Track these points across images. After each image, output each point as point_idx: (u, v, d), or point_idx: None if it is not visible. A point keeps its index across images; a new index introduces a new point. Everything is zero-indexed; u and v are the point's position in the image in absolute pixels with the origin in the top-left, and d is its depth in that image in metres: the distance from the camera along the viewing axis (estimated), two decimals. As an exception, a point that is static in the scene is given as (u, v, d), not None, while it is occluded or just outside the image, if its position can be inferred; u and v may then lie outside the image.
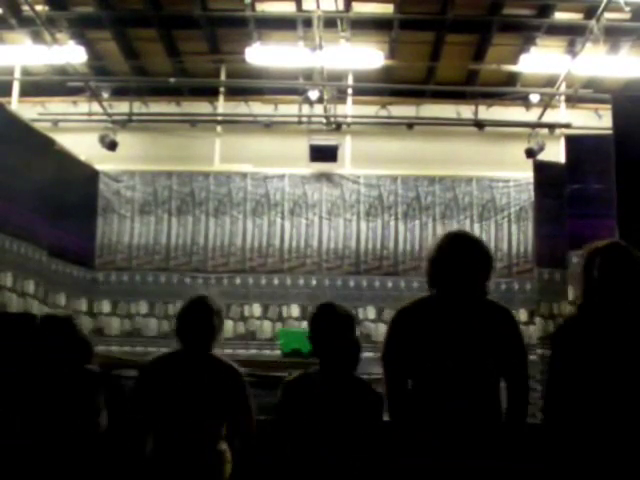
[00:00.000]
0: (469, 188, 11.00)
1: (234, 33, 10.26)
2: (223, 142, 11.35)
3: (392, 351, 2.88)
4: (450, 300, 2.80)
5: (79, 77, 10.70)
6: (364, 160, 10.95)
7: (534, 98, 11.11)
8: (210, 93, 11.53)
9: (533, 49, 10.15)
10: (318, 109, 11.01)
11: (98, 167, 10.90)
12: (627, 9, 8.22)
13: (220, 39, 10.63)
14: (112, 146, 10.68)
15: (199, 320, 3.17)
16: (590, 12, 9.06)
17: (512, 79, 11.33)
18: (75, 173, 10.14)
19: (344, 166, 11.10)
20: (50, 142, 9.34)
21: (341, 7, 9.60)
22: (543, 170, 9.80)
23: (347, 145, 11.22)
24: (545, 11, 9.65)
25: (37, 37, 9.47)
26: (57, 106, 11.26)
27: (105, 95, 11.14)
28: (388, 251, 10.86)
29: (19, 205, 8.16)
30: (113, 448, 3.22)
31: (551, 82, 10.78)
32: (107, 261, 10.89)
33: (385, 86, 11.33)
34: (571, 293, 7.24)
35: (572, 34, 9.98)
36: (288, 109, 11.24)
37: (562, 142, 10.20)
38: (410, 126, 11.28)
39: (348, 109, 11.41)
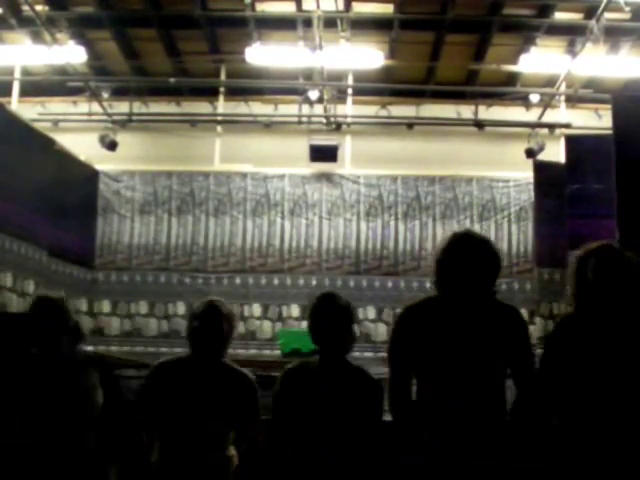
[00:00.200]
0: (469, 188, 11.00)
1: (234, 33, 10.26)
2: (223, 142, 11.35)
3: (398, 348, 2.86)
4: (458, 300, 2.79)
5: (79, 77, 10.70)
6: (364, 160, 10.95)
7: (534, 98, 11.11)
8: (210, 93, 11.53)
9: (533, 49, 10.15)
10: (318, 109, 11.00)
11: (98, 167, 10.90)
12: (627, 9, 8.22)
13: (220, 39, 10.63)
14: (112, 146, 10.67)
15: (211, 326, 3.14)
16: (590, 12, 9.06)
17: (512, 79, 11.32)
18: (75, 173, 10.15)
19: (344, 166, 11.10)
20: (50, 142, 9.34)
21: (341, 7, 9.60)
22: (543, 170, 9.82)
23: (347, 145, 11.21)
24: (545, 11, 9.65)
25: (37, 37, 9.47)
26: (57, 106, 11.26)
27: (105, 95, 11.13)
28: (388, 251, 10.86)
29: (19, 205, 8.16)
30: (109, 432, 3.23)
31: (551, 82, 10.78)
32: (107, 261, 10.89)
33: (385, 86, 11.33)
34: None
35: (572, 34, 9.98)
36: (288, 109, 11.24)
37: (562, 142, 10.22)
38: (410, 126, 11.27)
39: (348, 109, 11.41)
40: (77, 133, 10.75)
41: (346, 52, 10.02)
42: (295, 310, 10.45)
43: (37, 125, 9.67)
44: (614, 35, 9.46)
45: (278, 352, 8.97)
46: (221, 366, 3.20)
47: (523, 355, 2.77)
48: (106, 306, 10.69)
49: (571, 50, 10.02)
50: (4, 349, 3.26)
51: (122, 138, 10.84)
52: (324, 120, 11.16)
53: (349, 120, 11.35)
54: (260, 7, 9.86)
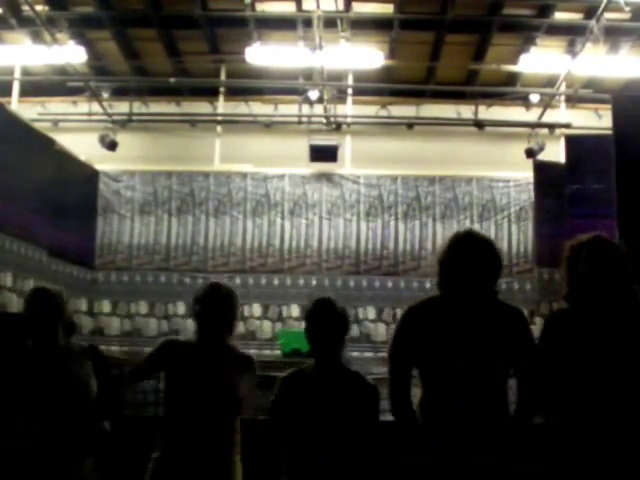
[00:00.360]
0: (469, 188, 11.00)
1: (234, 33, 10.26)
2: (223, 142, 11.35)
3: (399, 348, 2.86)
4: (460, 300, 2.79)
5: (79, 77, 10.70)
6: (364, 160, 10.95)
7: (534, 98, 11.11)
8: (210, 93, 11.53)
9: (533, 49, 10.15)
10: (318, 109, 11.01)
11: (98, 167, 10.91)
12: (627, 9, 8.22)
13: (220, 39, 10.63)
14: (112, 146, 10.68)
15: (213, 308, 3.20)
16: (590, 12, 9.06)
17: (512, 79, 11.32)
18: (75, 173, 10.15)
19: (344, 166, 11.10)
20: (50, 142, 9.34)
21: (341, 7, 9.60)
22: (543, 170, 9.82)
23: (347, 145, 11.22)
24: (545, 11, 9.65)
25: (37, 37, 9.47)
26: (57, 106, 11.26)
27: (105, 95, 11.14)
28: (388, 251, 10.86)
29: (19, 205, 8.16)
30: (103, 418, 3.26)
31: (551, 82, 10.78)
32: (107, 261, 10.89)
33: (385, 86, 11.33)
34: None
35: (572, 34, 9.98)
36: (288, 109, 11.24)
37: (562, 142, 10.22)
38: (410, 126, 11.28)
39: (348, 109, 11.41)
40: (77, 133, 10.75)
41: (346, 52, 10.02)
42: (295, 310, 10.45)
43: (37, 125, 9.67)
44: (614, 35, 9.47)
45: (278, 352, 8.99)
46: (225, 348, 3.23)
47: (526, 355, 2.77)
48: (106, 306, 10.69)
49: (571, 50, 10.02)
50: (1, 344, 3.28)
51: (122, 138, 10.84)
52: (324, 120, 11.16)
53: (349, 120, 11.35)
54: (260, 7, 9.86)
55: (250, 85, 11.34)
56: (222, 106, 11.54)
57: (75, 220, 9.74)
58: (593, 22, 8.52)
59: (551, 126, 11.04)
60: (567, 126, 10.92)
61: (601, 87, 10.73)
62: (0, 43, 10.15)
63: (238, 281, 10.66)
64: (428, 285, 9.77)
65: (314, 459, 2.91)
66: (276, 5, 9.89)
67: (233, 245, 10.89)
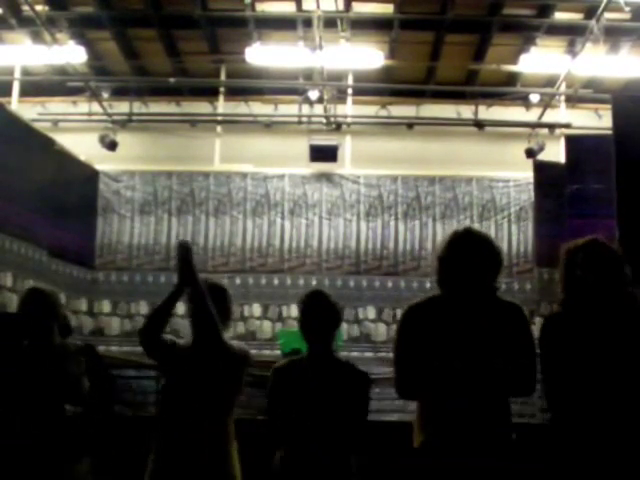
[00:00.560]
0: (469, 188, 11.00)
1: (234, 33, 10.26)
2: (223, 142, 11.35)
3: (403, 347, 2.86)
4: (460, 298, 2.79)
5: (79, 77, 10.70)
6: (364, 160, 10.95)
7: (534, 98, 11.11)
8: (210, 93, 11.53)
9: (533, 49, 10.15)
10: (318, 109, 11.01)
11: (98, 167, 10.91)
12: (627, 9, 8.22)
13: (220, 39, 10.63)
14: (112, 146, 10.68)
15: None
16: (590, 12, 9.06)
17: (512, 79, 11.32)
18: (75, 173, 10.15)
19: (344, 166, 11.10)
20: (50, 142, 9.34)
21: (341, 7, 9.60)
22: (543, 170, 9.82)
23: (347, 145, 11.22)
24: (545, 11, 9.65)
25: (37, 37, 9.47)
26: (57, 106, 11.26)
27: (105, 95, 11.14)
28: (388, 251, 10.86)
29: (19, 205, 8.16)
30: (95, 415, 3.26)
31: (551, 82, 10.78)
32: (107, 261, 10.89)
33: (385, 86, 11.33)
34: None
35: (572, 34, 9.98)
36: (288, 109, 11.24)
37: (562, 142, 10.23)
38: (410, 126, 11.28)
39: (348, 109, 11.41)
40: (77, 133, 10.75)
41: (346, 52, 10.02)
42: (295, 310, 10.38)
43: (37, 125, 9.68)
44: (614, 35, 9.47)
45: (278, 352, 8.97)
46: (220, 346, 3.23)
47: (524, 353, 2.77)
48: (106, 306, 10.69)
49: (571, 50, 10.02)
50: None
51: (122, 138, 10.84)
52: (324, 120, 11.16)
53: (349, 120, 11.35)
54: (260, 7, 9.86)
55: (250, 85, 11.34)
56: (222, 106, 11.54)
57: (75, 220, 9.74)
58: (593, 22, 8.52)
59: (551, 126, 11.04)
60: (567, 126, 10.92)
61: (601, 87, 10.73)
62: (0, 43, 10.15)
63: (238, 281, 10.67)
64: (428, 285, 9.76)
65: (307, 450, 2.92)
66: (276, 5, 9.89)
67: (233, 245, 10.89)
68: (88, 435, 3.20)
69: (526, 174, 10.27)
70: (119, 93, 11.33)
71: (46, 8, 9.02)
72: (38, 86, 11.04)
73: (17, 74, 10.73)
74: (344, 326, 10.41)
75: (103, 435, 3.28)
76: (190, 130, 11.37)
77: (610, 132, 6.89)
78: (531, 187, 10.17)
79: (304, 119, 11.18)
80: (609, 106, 7.36)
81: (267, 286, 10.69)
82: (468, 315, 2.76)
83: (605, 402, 2.57)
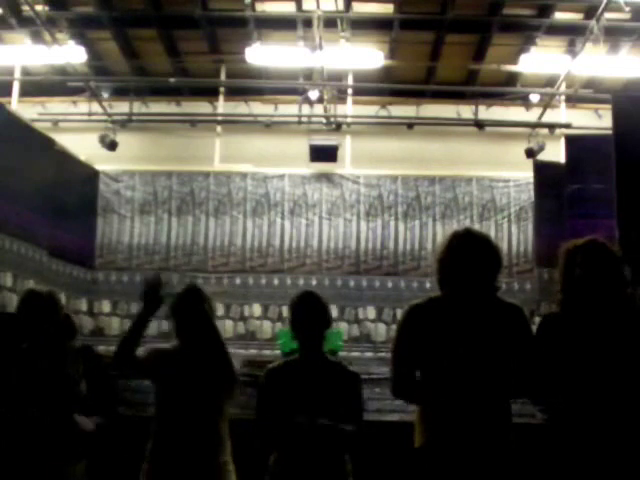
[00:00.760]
0: (469, 188, 11.00)
1: (234, 33, 10.26)
2: (223, 142, 11.35)
3: (402, 347, 2.86)
4: (461, 299, 2.79)
5: (79, 77, 10.71)
6: (364, 160, 10.95)
7: (534, 98, 11.12)
8: (210, 93, 11.53)
9: (533, 49, 10.15)
10: (318, 109, 11.01)
11: (98, 167, 10.91)
12: (627, 9, 8.22)
13: (220, 39, 10.63)
14: (112, 146, 10.68)
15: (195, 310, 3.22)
16: (590, 12, 9.06)
17: (512, 79, 11.33)
18: (75, 173, 10.15)
19: (344, 166, 11.10)
20: (50, 142, 9.34)
21: (341, 7, 9.59)
22: (543, 170, 9.82)
23: (347, 145, 11.22)
24: (545, 11, 9.65)
25: (37, 37, 9.47)
26: (57, 106, 11.26)
27: (105, 95, 11.15)
28: (388, 251, 10.86)
29: (19, 205, 8.16)
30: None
31: (551, 82, 10.78)
32: (107, 261, 10.89)
33: (385, 86, 11.33)
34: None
35: (572, 34, 9.98)
36: (288, 109, 11.24)
37: (562, 142, 10.22)
38: (410, 126, 11.27)
39: (348, 109, 11.41)
40: (77, 133, 10.75)
41: (346, 52, 10.02)
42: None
43: (37, 125, 9.67)
44: (614, 35, 9.46)
45: (278, 352, 8.97)
46: (206, 351, 3.24)
47: (526, 352, 2.77)
48: (106, 306, 10.69)
49: (571, 50, 10.02)
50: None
51: (122, 138, 10.84)
52: (324, 120, 11.16)
53: (349, 120, 11.35)
54: (260, 7, 9.86)
55: (250, 85, 11.35)
56: (222, 106, 11.54)
57: (75, 220, 9.73)
58: (593, 22, 8.51)
59: (551, 126, 11.04)
60: (567, 126, 10.92)
61: (601, 87, 10.73)
62: (0, 43, 10.15)
63: (238, 281, 10.67)
64: (428, 285, 9.77)
65: (300, 451, 2.92)
66: (276, 5, 9.89)
67: (233, 245, 10.89)
68: (85, 436, 3.19)
69: (526, 174, 10.27)
70: (119, 93, 11.33)
71: (46, 8, 9.01)
72: (38, 86, 11.04)
73: (17, 74, 10.73)
74: (344, 326, 10.42)
75: (103, 436, 3.27)
76: (190, 130, 11.37)
77: (610, 132, 6.90)
78: (531, 187, 10.17)
79: (304, 119, 11.18)
80: (609, 106, 7.37)
81: (267, 286, 10.69)
82: (469, 316, 2.76)
83: (602, 401, 2.57)
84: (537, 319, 2.91)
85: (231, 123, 11.40)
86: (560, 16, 9.83)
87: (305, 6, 9.58)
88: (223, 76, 11.45)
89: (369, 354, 10.15)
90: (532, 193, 10.11)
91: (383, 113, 11.49)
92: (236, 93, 11.49)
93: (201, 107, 11.61)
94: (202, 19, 9.89)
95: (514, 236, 10.86)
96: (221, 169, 11.16)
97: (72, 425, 3.14)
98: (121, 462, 3.78)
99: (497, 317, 2.79)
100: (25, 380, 3.14)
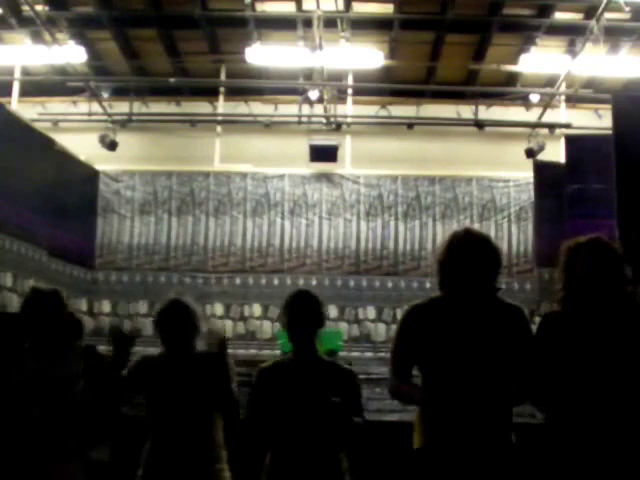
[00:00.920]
0: (469, 188, 11.01)
1: (234, 33, 10.26)
2: (223, 142, 11.35)
3: (401, 347, 2.86)
4: (461, 299, 2.79)
5: (79, 77, 10.71)
6: (364, 160, 10.95)
7: (534, 98, 11.12)
8: (210, 93, 11.53)
9: (533, 49, 10.15)
10: (318, 109, 11.01)
11: (98, 167, 10.91)
12: (627, 9, 8.22)
13: (220, 39, 10.63)
14: (112, 146, 10.68)
15: (180, 320, 3.20)
16: (590, 12, 9.06)
17: (512, 79, 11.33)
18: (75, 173, 10.15)
19: (344, 166, 11.10)
20: (50, 142, 9.34)
21: (341, 7, 9.59)
22: (543, 170, 9.82)
23: (347, 145, 11.22)
24: (545, 11, 9.65)
25: (37, 37, 9.47)
26: (57, 106, 11.26)
27: (105, 95, 11.15)
28: (388, 251, 10.86)
29: (19, 205, 8.17)
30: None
31: (551, 82, 10.78)
32: (107, 261, 10.89)
33: (385, 86, 11.33)
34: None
35: (572, 34, 9.98)
36: (288, 109, 11.24)
37: (562, 142, 10.22)
38: (410, 126, 11.27)
39: (348, 109, 11.41)
40: (77, 133, 10.75)
41: (346, 52, 10.02)
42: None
43: (37, 125, 9.68)
44: (614, 35, 9.47)
45: (278, 352, 8.97)
46: (194, 355, 3.23)
47: (527, 353, 2.77)
48: (106, 306, 10.70)
49: (571, 50, 10.02)
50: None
51: (122, 138, 10.84)
52: (324, 120, 11.16)
53: (349, 120, 11.35)
54: (260, 7, 9.86)
55: (250, 85, 11.35)
56: (222, 106, 11.54)
57: (75, 220, 9.74)
58: (593, 22, 8.51)
59: (551, 126, 11.04)
60: (567, 126, 10.92)
61: (601, 87, 10.73)
62: (0, 43, 10.15)
63: (238, 281, 10.67)
64: (428, 285, 9.78)
65: (294, 451, 2.92)
66: (276, 5, 9.89)
67: (233, 245, 10.89)
68: (83, 435, 3.19)
69: (526, 174, 10.27)
70: (119, 93, 11.33)
71: (46, 8, 9.02)
72: (38, 86, 11.04)
73: (17, 74, 10.73)
74: (344, 326, 10.43)
75: (102, 435, 3.27)
76: (190, 130, 11.38)
77: (610, 132, 6.90)
78: (531, 187, 10.17)
79: (304, 119, 11.18)
80: (609, 106, 7.37)
81: (267, 286, 10.69)
82: (469, 316, 2.76)
83: (603, 400, 2.57)
84: (537, 319, 2.90)
85: (231, 123, 11.40)
86: (560, 16, 9.83)
87: (305, 6, 9.58)
88: (223, 76, 11.45)
89: (369, 354, 10.15)
90: (532, 193, 10.11)
91: (383, 113, 11.49)
92: (236, 93, 11.49)
93: (201, 107, 11.61)
94: (202, 19, 9.89)
95: (514, 236, 10.86)
96: (221, 169, 11.17)
97: (68, 423, 3.13)
98: (121, 462, 3.78)
99: (497, 318, 2.79)
100: (25, 380, 3.13)
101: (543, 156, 10.43)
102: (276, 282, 10.71)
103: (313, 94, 10.46)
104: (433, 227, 10.88)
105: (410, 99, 11.43)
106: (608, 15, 8.44)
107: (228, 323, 10.49)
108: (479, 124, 11.17)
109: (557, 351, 2.66)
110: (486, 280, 2.81)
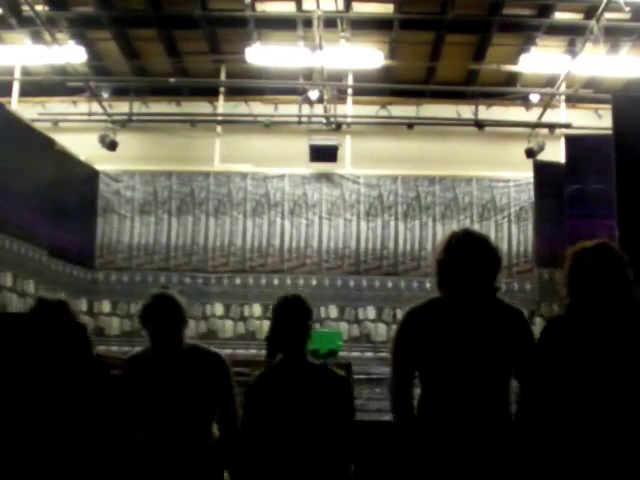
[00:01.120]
0: (469, 188, 11.01)
1: (234, 33, 10.26)
2: (223, 142, 11.35)
3: (401, 350, 2.86)
4: (460, 300, 2.78)
5: (79, 77, 10.71)
6: (364, 160, 10.95)
7: (534, 98, 11.12)
8: (210, 93, 11.53)
9: (533, 49, 10.15)
10: (318, 109, 11.01)
11: (98, 167, 10.91)
12: (627, 9, 8.22)
13: (220, 39, 10.63)
14: (112, 146, 10.68)
15: (167, 312, 3.20)
16: (590, 12, 9.06)
17: (512, 79, 11.33)
18: (75, 173, 10.16)
19: (344, 166, 11.10)
20: (50, 142, 9.34)
21: (341, 7, 9.60)
22: (543, 170, 9.82)
23: (347, 145, 11.22)
24: (545, 11, 9.65)
25: (37, 37, 9.48)
26: (57, 106, 11.26)
27: (105, 95, 11.15)
28: (388, 251, 10.86)
29: (19, 205, 8.17)
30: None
31: (551, 82, 10.78)
32: (107, 261, 10.89)
33: (385, 86, 11.33)
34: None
35: (572, 34, 9.98)
36: (288, 109, 11.24)
37: (562, 142, 10.21)
38: (410, 126, 11.27)
39: (348, 109, 11.41)
40: (77, 133, 10.75)
41: (346, 52, 10.02)
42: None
43: (37, 125, 9.68)
44: (614, 35, 9.47)
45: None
46: (183, 352, 3.23)
47: (526, 356, 2.76)
48: (106, 306, 10.69)
49: (571, 50, 10.02)
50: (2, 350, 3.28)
51: (122, 138, 10.84)
52: (324, 120, 11.16)
53: (349, 120, 11.35)
54: (260, 7, 9.86)
55: (250, 85, 11.35)
56: (222, 106, 11.54)
57: (75, 220, 9.74)
58: (593, 22, 8.52)
59: (551, 126, 11.04)
60: (567, 126, 10.92)
61: (601, 87, 10.73)
62: (0, 43, 10.15)
63: (238, 281, 10.67)
64: (428, 285, 9.77)
65: (283, 455, 2.89)
66: (276, 5, 9.89)
67: (233, 245, 10.89)
68: (79, 438, 3.19)
69: (526, 174, 10.27)
70: (119, 93, 11.33)
71: (46, 8, 9.02)
72: (38, 86, 11.05)
73: (17, 74, 10.74)
74: (344, 326, 10.43)
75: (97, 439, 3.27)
76: (190, 130, 11.38)
77: (610, 132, 6.89)
78: (531, 187, 10.17)
79: (304, 119, 11.18)
80: (609, 106, 7.36)
81: (267, 286, 10.69)
82: (468, 317, 2.76)
83: (609, 405, 2.56)
84: (537, 319, 2.91)
85: (231, 123, 11.40)
86: (560, 16, 9.83)
87: (305, 6, 9.58)
88: (223, 76, 11.45)
89: (369, 354, 10.15)
90: (532, 193, 10.11)
91: (383, 113, 11.49)
92: (236, 93, 11.49)
93: (201, 107, 11.61)
94: (202, 19, 9.89)
95: (514, 236, 10.86)
96: (221, 169, 11.17)
97: (65, 427, 3.13)
98: (120, 462, 3.77)
99: (496, 319, 2.78)
100: (25, 380, 3.13)
101: (543, 156, 10.42)
102: (276, 282, 10.71)
103: (313, 94, 10.47)
104: (433, 227, 10.88)
105: (410, 99, 11.43)
106: (608, 15, 8.44)
107: (228, 323, 10.49)
108: (479, 124, 11.17)
109: (564, 357, 2.65)
110: (485, 280, 2.80)
